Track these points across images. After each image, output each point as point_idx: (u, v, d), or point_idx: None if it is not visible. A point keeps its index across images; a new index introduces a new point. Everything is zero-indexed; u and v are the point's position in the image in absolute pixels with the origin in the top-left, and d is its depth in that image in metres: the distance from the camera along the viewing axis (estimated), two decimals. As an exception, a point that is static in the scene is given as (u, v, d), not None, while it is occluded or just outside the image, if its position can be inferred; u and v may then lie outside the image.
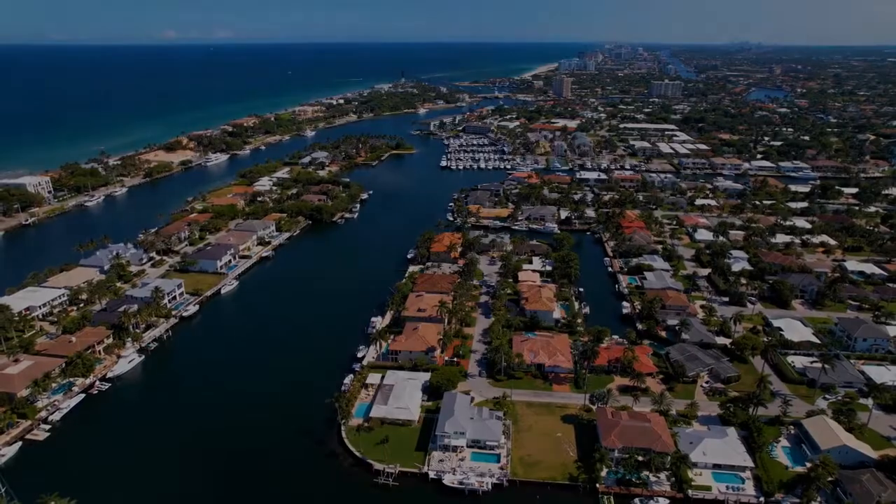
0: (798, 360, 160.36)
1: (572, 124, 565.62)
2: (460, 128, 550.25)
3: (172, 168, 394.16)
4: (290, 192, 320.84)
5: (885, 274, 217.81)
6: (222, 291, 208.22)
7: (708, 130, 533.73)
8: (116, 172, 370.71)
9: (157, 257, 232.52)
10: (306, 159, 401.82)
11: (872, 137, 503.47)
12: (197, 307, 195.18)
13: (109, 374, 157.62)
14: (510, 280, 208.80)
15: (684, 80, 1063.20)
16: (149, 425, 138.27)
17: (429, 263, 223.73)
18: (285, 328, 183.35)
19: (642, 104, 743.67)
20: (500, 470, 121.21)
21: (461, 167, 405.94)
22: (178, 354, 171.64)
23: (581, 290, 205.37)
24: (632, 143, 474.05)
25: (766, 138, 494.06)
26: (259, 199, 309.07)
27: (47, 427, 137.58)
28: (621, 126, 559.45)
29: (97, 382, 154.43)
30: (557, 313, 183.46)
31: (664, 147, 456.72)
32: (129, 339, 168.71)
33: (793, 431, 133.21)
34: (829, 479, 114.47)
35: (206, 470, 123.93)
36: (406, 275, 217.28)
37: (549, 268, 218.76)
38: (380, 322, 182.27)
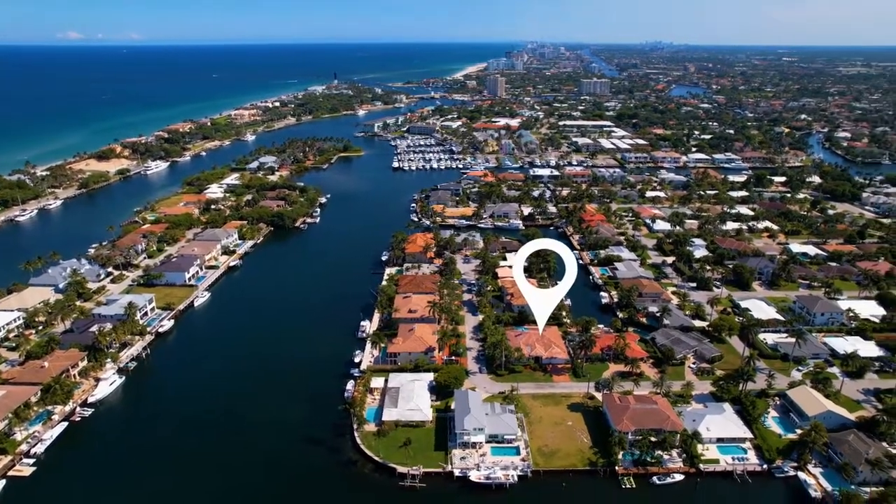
0: (769, 337, 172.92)
1: (514, 123, 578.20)
2: (404, 129, 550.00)
3: (109, 178, 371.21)
4: (245, 199, 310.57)
5: (826, 254, 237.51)
6: (195, 304, 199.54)
7: (642, 126, 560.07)
8: (47, 184, 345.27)
9: (116, 272, 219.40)
10: (254, 164, 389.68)
11: (787, 130, 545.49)
12: (172, 322, 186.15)
13: (90, 399, 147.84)
14: (490, 277, 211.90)
15: (609, 77, 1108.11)
16: (142, 450, 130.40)
17: (407, 265, 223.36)
18: (271, 338, 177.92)
19: (575, 102, 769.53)
20: (523, 462, 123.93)
21: (414, 168, 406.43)
22: (161, 373, 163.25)
23: (558, 282, 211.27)
24: (574, 139, 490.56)
25: (697, 132, 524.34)
26: (213, 207, 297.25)
27: (31, 461, 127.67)
28: (560, 124, 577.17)
29: (78, 409, 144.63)
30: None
31: (605, 143, 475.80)
32: (108, 360, 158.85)
33: (779, 402, 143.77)
34: (816, 436, 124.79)
35: (217, 493, 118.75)
36: (385, 277, 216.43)
37: (525, 263, 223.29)
38: (369, 325, 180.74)
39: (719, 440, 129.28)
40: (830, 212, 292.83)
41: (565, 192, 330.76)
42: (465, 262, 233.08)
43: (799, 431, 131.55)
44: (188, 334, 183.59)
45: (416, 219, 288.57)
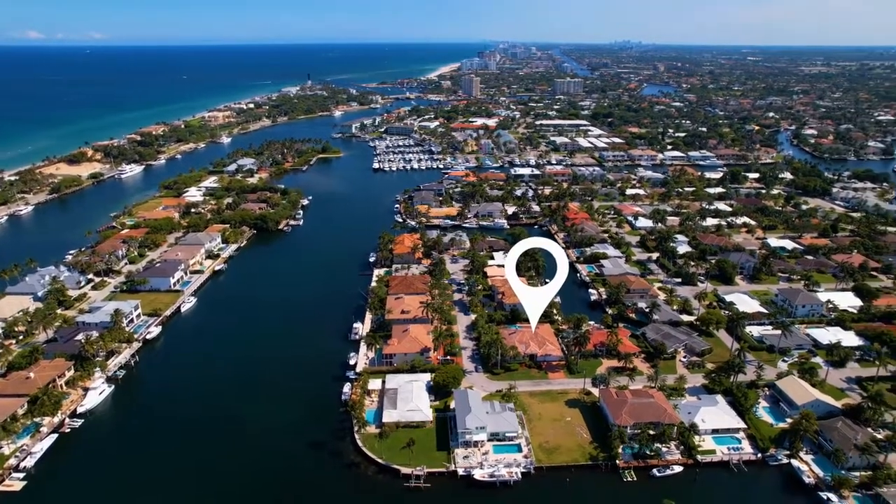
0: (754, 329, 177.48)
1: (491, 122, 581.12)
2: (382, 129, 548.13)
3: (82, 182, 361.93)
4: (226, 202, 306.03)
5: (802, 247, 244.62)
6: (182, 310, 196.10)
7: (618, 125, 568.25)
8: (16, 189, 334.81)
9: (97, 279, 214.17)
10: (232, 167, 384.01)
11: (757, 128, 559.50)
12: (159, 329, 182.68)
13: (80, 410, 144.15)
14: (480, 276, 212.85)
15: (581, 77, 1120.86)
16: (136, 460, 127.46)
17: (396, 266, 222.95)
18: (261, 342, 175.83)
19: (551, 101, 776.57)
20: (525, 459, 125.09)
21: (394, 168, 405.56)
22: (151, 381, 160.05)
23: (547, 280, 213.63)
24: (552, 139, 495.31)
25: (671, 130, 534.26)
26: (194, 210, 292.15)
27: (21, 475, 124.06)
28: (537, 123, 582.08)
29: (67, 420, 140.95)
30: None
31: (583, 142, 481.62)
32: (97, 369, 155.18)
33: (768, 392, 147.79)
34: (807, 424, 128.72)
35: (219, 502, 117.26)
36: (374, 278, 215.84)
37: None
38: (362, 327, 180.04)
39: (714, 431, 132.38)
40: (804, 207, 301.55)
41: (547, 190, 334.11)
42: (452, 262, 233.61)
43: (789, 420, 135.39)
44: (177, 340, 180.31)
45: (400, 219, 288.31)
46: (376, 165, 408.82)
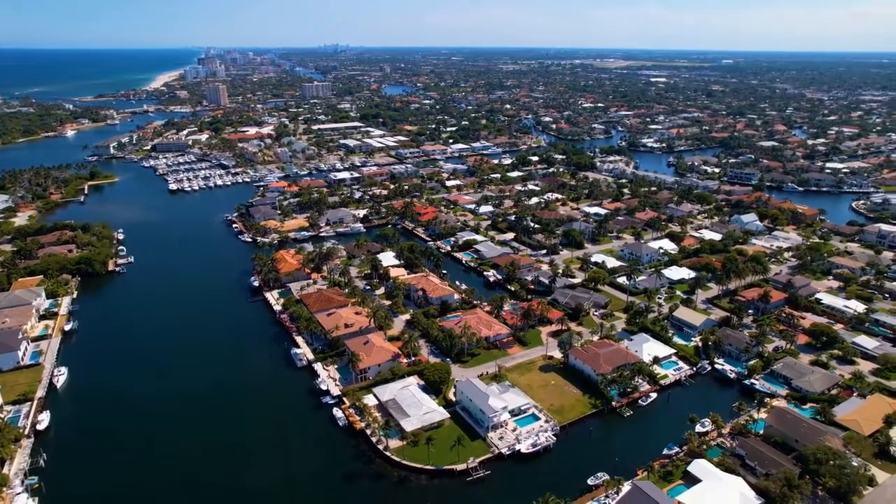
0: (622, 279, 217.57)
1: (264, 131, 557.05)
2: (148, 147, 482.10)
3: None
4: (11, 251, 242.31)
5: (608, 211, 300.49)
6: (58, 385, 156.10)
7: (391, 125, 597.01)
8: None
9: None
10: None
11: (506, 118, 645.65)
12: (47, 414, 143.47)
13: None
14: (395, 279, 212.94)
15: (320, 80, 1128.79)
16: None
17: (300, 284, 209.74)
18: (193, 398, 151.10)
19: (309, 106, 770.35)
20: (547, 423, 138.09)
21: (196, 188, 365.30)
22: (83, 480, 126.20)
23: (445, 272, 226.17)
24: (340, 142, 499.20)
25: (441, 126, 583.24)
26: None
27: None
28: (315, 128, 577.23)
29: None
30: (456, 294, 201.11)
31: (373, 142, 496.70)
32: (18, 480, 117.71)
33: (669, 323, 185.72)
34: (713, 338, 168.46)
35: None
36: (274, 301, 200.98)
37: (400, 261, 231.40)
38: (304, 351, 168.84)
39: (656, 360, 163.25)
40: (588, 180, 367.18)
41: (378, 191, 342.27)
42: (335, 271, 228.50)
43: (696, 338, 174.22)
44: (79, 422, 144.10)
45: (249, 238, 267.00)
46: (173, 186, 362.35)
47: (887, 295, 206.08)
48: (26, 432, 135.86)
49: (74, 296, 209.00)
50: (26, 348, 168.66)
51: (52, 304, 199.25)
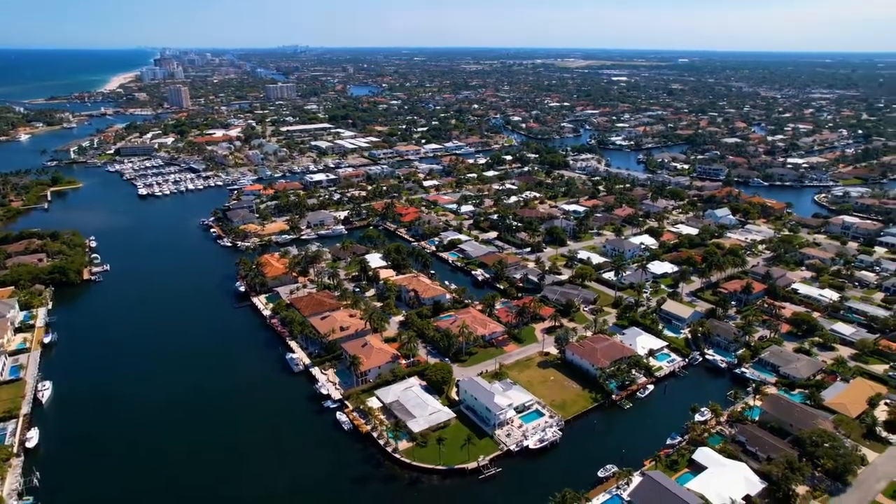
0: (608, 275, 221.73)
1: (232, 133, 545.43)
2: (111, 151, 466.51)
3: None
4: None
5: (586, 209, 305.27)
6: (43, 400, 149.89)
7: (360, 125, 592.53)
8: None
9: None
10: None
11: (475, 118, 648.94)
12: (35, 430, 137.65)
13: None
14: (385, 280, 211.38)
15: (283, 82, 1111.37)
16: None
17: (292, 286, 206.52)
18: (191, 406, 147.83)
19: (275, 108, 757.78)
20: (552, 418, 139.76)
21: (167, 192, 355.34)
22: (80, 498, 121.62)
23: (433, 272, 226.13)
24: (313, 143, 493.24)
25: (412, 126, 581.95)
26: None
27: None
28: (284, 129, 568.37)
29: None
30: (448, 294, 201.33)
31: (345, 143, 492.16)
32: (13, 501, 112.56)
33: (658, 316, 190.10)
34: (702, 329, 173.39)
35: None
36: (263, 305, 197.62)
37: (388, 262, 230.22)
38: (300, 356, 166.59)
39: (651, 353, 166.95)
40: (564, 178, 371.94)
41: (355, 192, 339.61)
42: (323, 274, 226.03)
43: (685, 331, 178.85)
44: (69, 438, 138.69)
45: (228, 243, 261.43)
46: (143, 192, 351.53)
47: (857, 283, 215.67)
48: (15, 450, 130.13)
49: (50, 307, 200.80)
50: (4, 363, 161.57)
51: (28, 316, 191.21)
